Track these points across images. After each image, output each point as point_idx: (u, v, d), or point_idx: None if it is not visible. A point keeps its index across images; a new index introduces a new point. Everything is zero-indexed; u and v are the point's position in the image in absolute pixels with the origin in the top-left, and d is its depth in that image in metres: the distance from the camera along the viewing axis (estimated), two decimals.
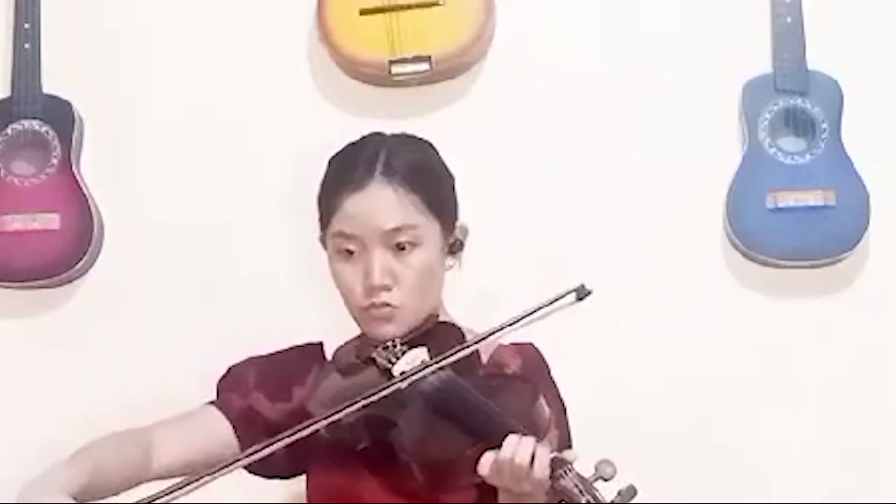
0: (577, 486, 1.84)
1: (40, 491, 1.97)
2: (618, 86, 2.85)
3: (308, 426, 1.96)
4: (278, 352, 2.28)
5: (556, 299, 1.96)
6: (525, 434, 1.92)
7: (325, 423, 1.97)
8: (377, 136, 2.22)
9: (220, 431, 2.19)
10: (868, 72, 2.81)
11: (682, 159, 2.82)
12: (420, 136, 2.25)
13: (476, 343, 2.01)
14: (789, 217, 2.73)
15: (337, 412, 1.96)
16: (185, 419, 2.21)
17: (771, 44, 2.80)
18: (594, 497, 1.82)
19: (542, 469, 1.89)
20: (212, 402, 2.24)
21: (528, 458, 1.89)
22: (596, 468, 1.86)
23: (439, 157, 2.23)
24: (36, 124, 2.86)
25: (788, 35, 2.78)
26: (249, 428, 2.18)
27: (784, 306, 2.79)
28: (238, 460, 2.00)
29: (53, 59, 2.89)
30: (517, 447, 1.90)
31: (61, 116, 2.86)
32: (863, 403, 2.76)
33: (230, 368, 2.27)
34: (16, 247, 2.81)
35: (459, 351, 2.00)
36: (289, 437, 1.96)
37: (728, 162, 2.78)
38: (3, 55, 2.91)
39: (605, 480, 1.85)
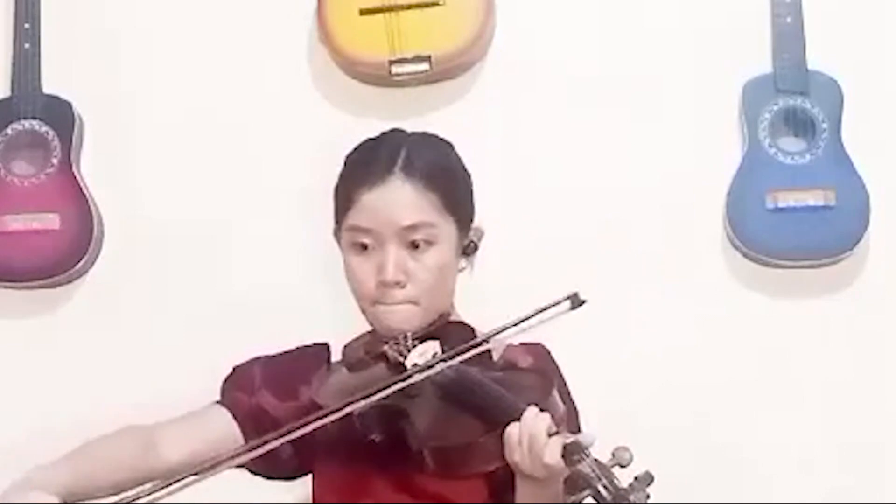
0: (594, 471, 1.82)
1: (22, 490, 1.95)
2: (618, 86, 2.85)
3: (314, 420, 1.95)
4: (284, 352, 2.27)
5: (551, 306, 1.97)
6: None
7: (331, 418, 1.95)
8: (398, 133, 2.21)
9: (227, 430, 2.18)
10: (868, 72, 2.81)
11: (682, 159, 2.82)
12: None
13: (490, 336, 2.01)
14: (789, 217, 2.73)
15: (346, 405, 1.95)
16: (191, 418, 2.20)
17: (771, 44, 2.80)
18: (611, 482, 1.81)
19: (552, 454, 1.88)
20: (218, 402, 2.23)
21: (542, 429, 1.87)
22: (613, 454, 1.84)
23: (459, 157, 2.21)
24: (36, 124, 2.86)
25: (788, 35, 2.78)
26: (256, 427, 2.17)
27: (784, 306, 2.79)
28: (239, 454, 1.99)
29: (53, 59, 2.89)
30: (532, 420, 1.89)
31: (61, 116, 2.86)
32: (863, 403, 2.76)
33: (236, 368, 2.26)
34: (16, 247, 2.82)
35: (474, 347, 1.99)
36: (293, 431, 1.95)
37: (728, 162, 2.78)
38: (3, 55, 2.91)
39: (623, 467, 1.84)
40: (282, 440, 1.97)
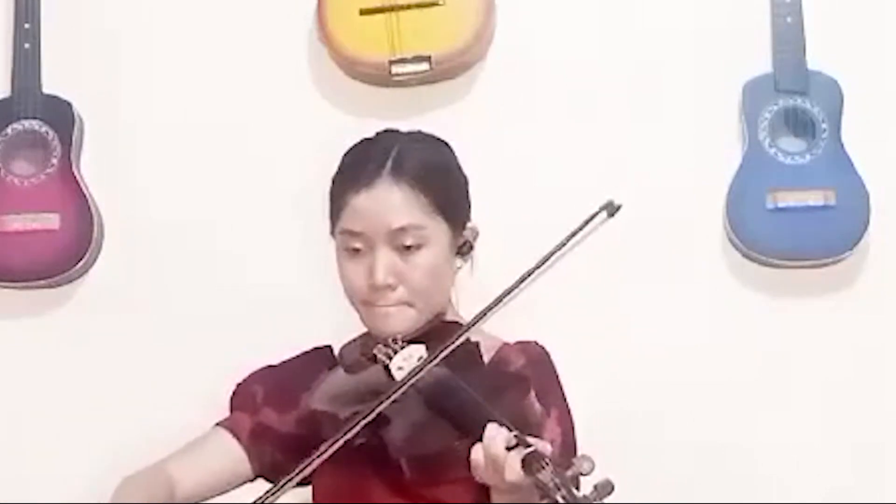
0: (552, 480, 1.82)
1: None
2: (618, 86, 2.85)
3: (344, 434, 1.94)
4: (288, 360, 2.28)
5: (589, 220, 1.95)
6: (508, 427, 1.90)
7: (357, 427, 1.94)
8: (391, 134, 2.20)
9: (232, 454, 2.21)
10: (868, 72, 2.81)
11: (682, 159, 2.82)
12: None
13: (481, 318, 1.97)
14: (789, 217, 2.73)
15: (369, 413, 1.94)
16: (196, 447, 2.22)
17: (771, 44, 2.80)
18: (569, 492, 1.81)
19: (512, 470, 1.86)
20: (221, 424, 2.24)
21: (502, 449, 1.87)
22: (573, 462, 1.84)
23: (454, 156, 2.21)
24: (36, 124, 2.86)
25: (788, 35, 2.78)
26: (260, 444, 2.20)
27: (784, 306, 2.79)
28: (288, 480, 1.97)
29: (53, 59, 2.89)
30: (491, 440, 1.88)
31: (61, 116, 2.86)
32: (863, 403, 2.76)
33: (239, 384, 2.27)
34: (16, 247, 2.81)
35: (456, 346, 1.97)
36: (330, 446, 1.94)
37: (728, 162, 2.78)
38: (3, 55, 2.91)
39: (583, 475, 1.84)
40: (322, 457, 1.96)
